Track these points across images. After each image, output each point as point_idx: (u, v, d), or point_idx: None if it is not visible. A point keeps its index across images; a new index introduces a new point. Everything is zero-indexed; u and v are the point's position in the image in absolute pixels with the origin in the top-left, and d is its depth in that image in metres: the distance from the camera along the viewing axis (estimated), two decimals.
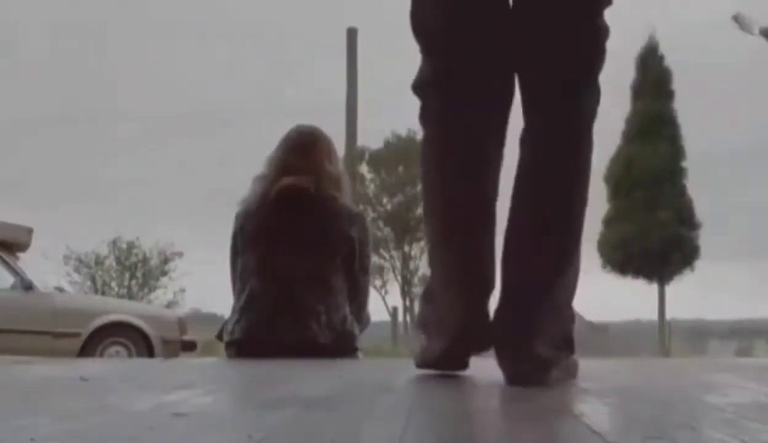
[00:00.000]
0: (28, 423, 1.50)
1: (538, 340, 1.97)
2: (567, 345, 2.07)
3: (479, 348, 2.08)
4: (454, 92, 2.09)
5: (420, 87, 2.16)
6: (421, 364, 2.25)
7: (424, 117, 2.15)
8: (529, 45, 2.05)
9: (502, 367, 2.00)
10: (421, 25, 2.18)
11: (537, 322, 1.99)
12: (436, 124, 2.12)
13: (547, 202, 2.02)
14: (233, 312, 3.26)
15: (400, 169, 28.62)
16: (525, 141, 2.06)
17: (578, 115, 2.07)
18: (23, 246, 10.43)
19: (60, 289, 11.35)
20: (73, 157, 45.19)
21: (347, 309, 3.22)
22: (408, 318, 29.60)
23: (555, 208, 2.02)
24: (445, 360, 2.16)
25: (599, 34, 2.12)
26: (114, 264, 22.90)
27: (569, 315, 2.08)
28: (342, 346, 3.18)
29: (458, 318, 2.05)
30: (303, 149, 3.32)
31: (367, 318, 3.41)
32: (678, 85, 25.85)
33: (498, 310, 2.03)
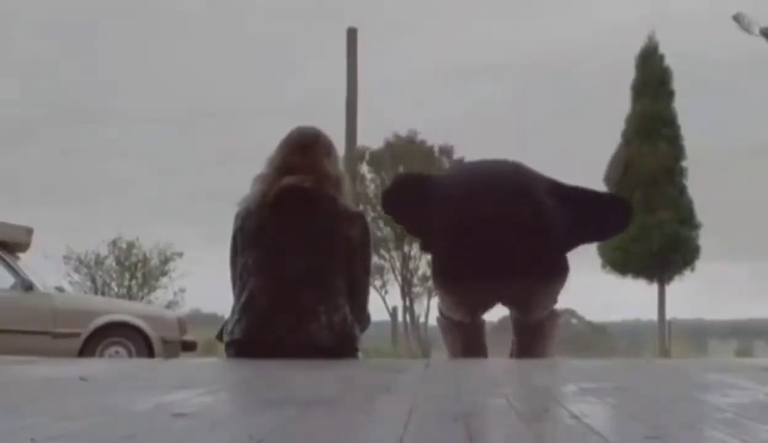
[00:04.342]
0: (28, 423, 1.50)
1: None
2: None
3: None
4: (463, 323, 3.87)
5: (446, 312, 3.95)
6: None
7: (443, 322, 3.96)
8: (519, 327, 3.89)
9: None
10: (445, 278, 3.87)
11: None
12: (453, 333, 3.93)
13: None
14: (233, 312, 3.25)
15: (401, 169, 28.50)
16: (514, 346, 3.91)
17: (551, 329, 3.91)
18: (23, 246, 10.39)
19: (60, 289, 11.32)
20: (73, 157, 45.12)
21: (347, 310, 3.21)
22: (408, 318, 29.52)
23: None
24: None
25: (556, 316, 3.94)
26: (114, 264, 22.82)
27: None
28: (342, 347, 3.18)
29: None
30: (303, 150, 3.31)
31: (368, 319, 3.40)
32: (678, 85, 25.77)
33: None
